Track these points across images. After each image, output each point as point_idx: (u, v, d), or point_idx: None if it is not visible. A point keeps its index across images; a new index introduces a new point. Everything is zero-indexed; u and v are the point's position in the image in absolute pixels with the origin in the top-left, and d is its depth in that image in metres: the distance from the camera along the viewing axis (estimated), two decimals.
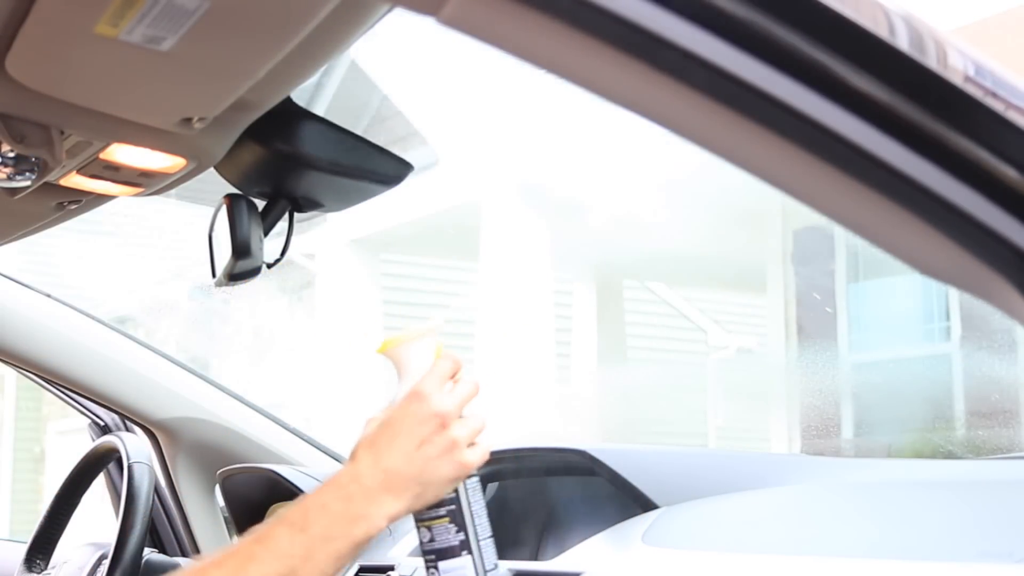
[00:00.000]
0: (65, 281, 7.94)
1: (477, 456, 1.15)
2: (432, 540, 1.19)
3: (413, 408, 1.14)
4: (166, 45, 0.92)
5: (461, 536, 1.18)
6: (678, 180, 5.96)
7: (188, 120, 1.06)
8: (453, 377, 1.17)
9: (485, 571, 1.19)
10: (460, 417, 1.15)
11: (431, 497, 1.14)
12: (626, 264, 8.00)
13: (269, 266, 1.29)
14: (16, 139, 1.09)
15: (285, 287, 8.51)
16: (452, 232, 7.58)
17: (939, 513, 1.22)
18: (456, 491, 1.18)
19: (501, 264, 7.29)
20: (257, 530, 1.09)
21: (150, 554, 1.91)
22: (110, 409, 2.16)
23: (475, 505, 1.20)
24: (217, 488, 2.08)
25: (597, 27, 0.57)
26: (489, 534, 1.20)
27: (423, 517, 1.18)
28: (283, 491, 1.85)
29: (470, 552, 1.18)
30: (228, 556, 1.09)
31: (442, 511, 1.18)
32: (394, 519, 1.11)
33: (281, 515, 1.10)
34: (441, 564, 1.18)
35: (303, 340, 8.73)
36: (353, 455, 1.13)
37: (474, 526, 1.19)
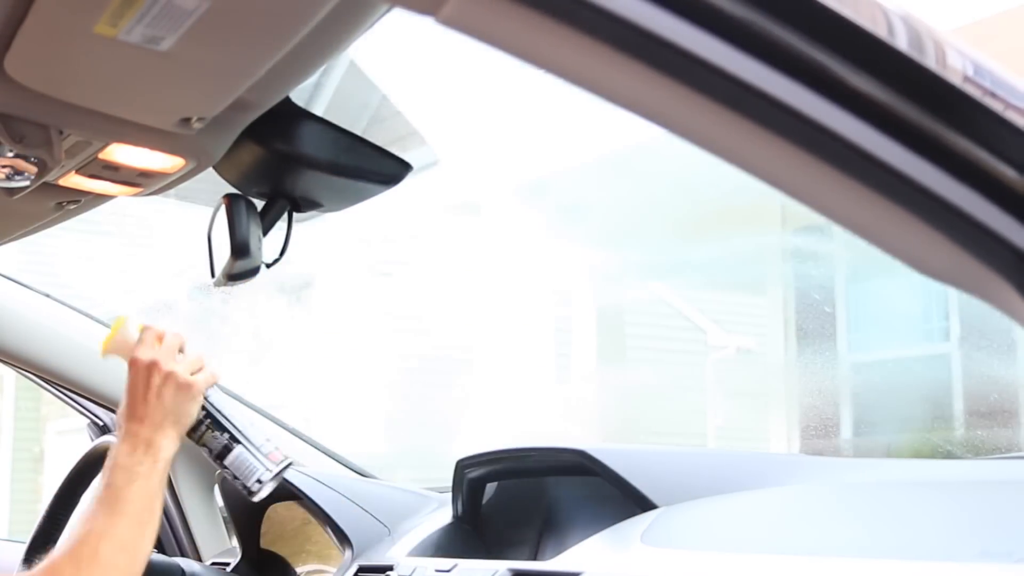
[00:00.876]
0: (65, 281, 7.93)
1: (204, 376, 1.45)
2: (210, 451, 1.48)
3: (130, 372, 1.43)
4: (165, 45, 0.91)
5: (226, 435, 1.47)
6: (677, 180, 5.95)
7: (187, 120, 1.06)
8: (160, 339, 1.45)
9: (258, 449, 1.48)
10: (174, 360, 1.44)
11: (187, 420, 1.44)
12: (625, 264, 8.00)
13: (268, 266, 1.29)
14: (15, 139, 1.09)
15: (285, 287, 8.50)
16: (452, 232, 7.57)
17: (939, 513, 1.22)
18: (204, 407, 1.46)
19: (501, 264, 7.29)
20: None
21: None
22: (109, 409, 2.16)
23: (224, 408, 1.48)
24: (216, 488, 2.08)
25: (597, 27, 0.57)
26: (249, 421, 1.50)
27: (195, 439, 1.47)
28: (282, 491, 1.85)
29: (239, 443, 1.48)
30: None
31: (202, 427, 1.47)
32: (174, 442, 1.42)
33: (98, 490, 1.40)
34: (225, 462, 1.48)
35: (303, 340, 8.73)
36: (119, 428, 1.43)
37: (232, 423, 1.48)
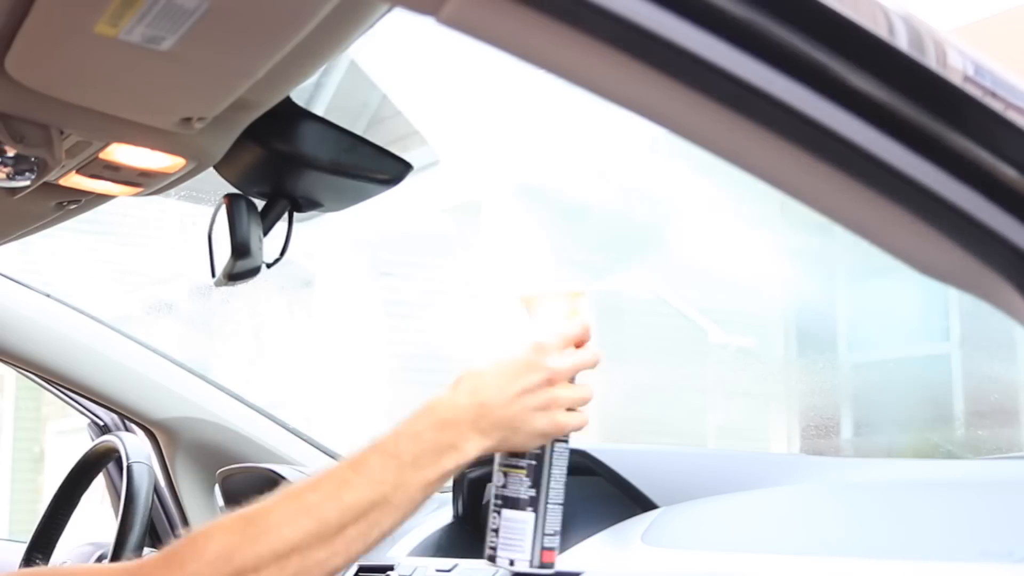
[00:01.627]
0: (64, 281, 7.93)
1: (574, 421, 1.20)
2: (505, 487, 1.24)
3: (528, 357, 1.19)
4: (166, 45, 0.91)
5: (532, 492, 1.22)
6: (677, 180, 5.96)
7: (188, 120, 1.06)
8: (579, 344, 1.22)
9: (544, 533, 1.23)
10: (570, 381, 1.20)
11: (517, 444, 1.19)
12: (625, 264, 8.00)
13: (268, 266, 1.29)
14: (16, 139, 1.09)
15: (285, 286, 8.50)
16: (452, 232, 7.57)
17: (939, 513, 1.22)
18: (542, 448, 1.22)
19: (501, 264, 7.29)
20: (352, 455, 1.12)
21: (149, 554, 1.91)
22: (109, 409, 2.16)
23: (555, 469, 1.23)
24: (217, 488, 2.08)
25: (597, 27, 0.57)
26: (560, 501, 1.24)
27: (504, 462, 1.24)
28: None
29: (535, 510, 1.22)
30: (324, 479, 1.11)
31: (522, 463, 1.23)
32: (481, 453, 1.15)
33: (374, 442, 1.13)
34: (505, 512, 1.23)
35: (303, 340, 8.73)
36: (456, 382, 1.17)
37: (547, 487, 1.23)
